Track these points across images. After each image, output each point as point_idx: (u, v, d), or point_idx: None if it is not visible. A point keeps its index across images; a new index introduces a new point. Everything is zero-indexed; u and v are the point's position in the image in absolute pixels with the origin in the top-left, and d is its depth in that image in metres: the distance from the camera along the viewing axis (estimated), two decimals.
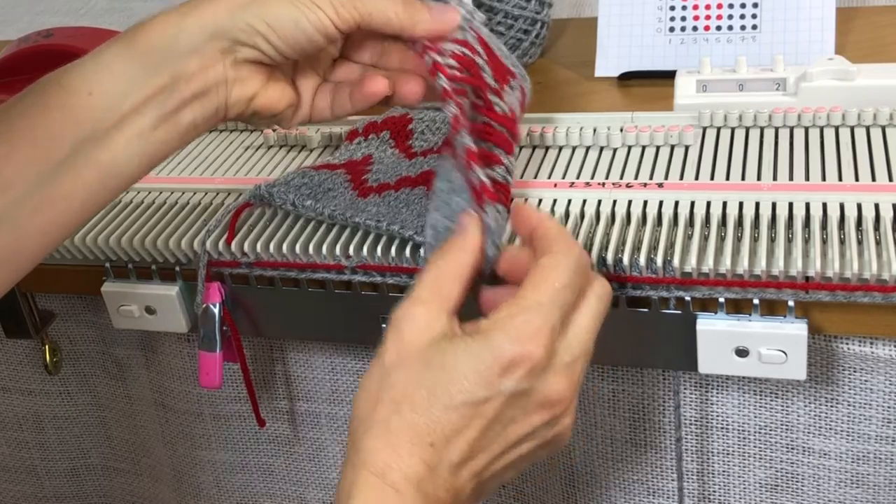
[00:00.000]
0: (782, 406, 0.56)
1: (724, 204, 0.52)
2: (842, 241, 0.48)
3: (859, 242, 0.48)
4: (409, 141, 0.62)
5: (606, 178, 0.57)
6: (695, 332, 0.50)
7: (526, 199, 0.56)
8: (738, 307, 0.50)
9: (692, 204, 0.53)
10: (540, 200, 0.55)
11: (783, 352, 0.49)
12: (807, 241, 0.49)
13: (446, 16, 0.48)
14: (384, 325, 0.56)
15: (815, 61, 0.61)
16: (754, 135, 0.59)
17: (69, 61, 0.83)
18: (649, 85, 0.70)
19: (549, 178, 0.58)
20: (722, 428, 0.57)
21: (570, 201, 0.55)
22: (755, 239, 0.50)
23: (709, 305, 0.50)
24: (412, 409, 0.40)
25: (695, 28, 0.70)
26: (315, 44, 0.47)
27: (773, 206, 0.52)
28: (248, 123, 0.51)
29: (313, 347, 0.65)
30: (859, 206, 0.50)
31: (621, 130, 0.60)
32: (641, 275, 0.50)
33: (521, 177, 0.58)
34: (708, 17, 0.69)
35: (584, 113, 0.64)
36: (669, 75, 0.65)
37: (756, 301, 0.49)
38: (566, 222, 0.54)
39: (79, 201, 0.45)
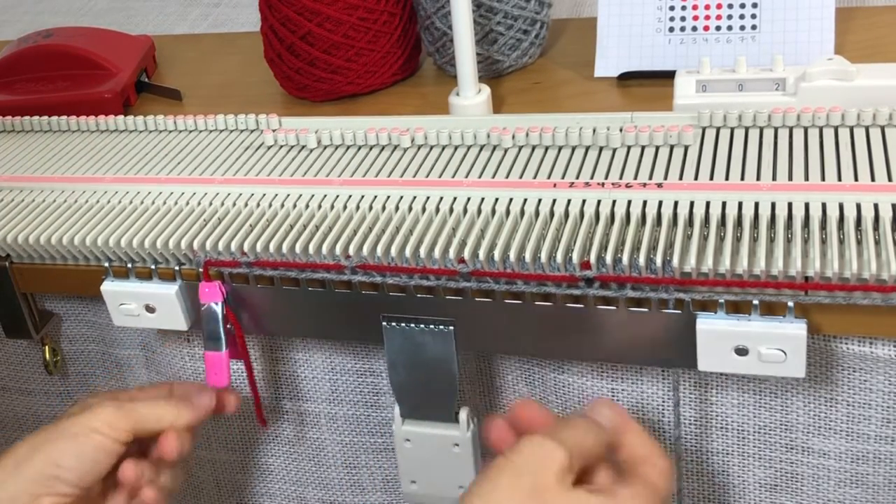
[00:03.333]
0: (782, 406, 0.56)
1: (724, 204, 0.52)
2: (841, 241, 0.49)
3: (858, 242, 0.48)
4: None
5: (606, 178, 0.57)
6: (694, 331, 0.50)
7: (526, 200, 0.56)
8: (737, 307, 0.50)
9: (691, 204, 0.53)
10: (540, 200, 0.55)
11: (782, 351, 0.49)
12: (806, 240, 0.49)
13: (202, 401, 0.58)
14: (384, 324, 0.57)
15: (815, 61, 0.61)
16: (754, 135, 0.59)
17: (69, 61, 0.84)
18: (649, 85, 0.70)
19: (549, 178, 0.58)
20: (721, 427, 0.57)
21: (569, 201, 0.55)
22: (754, 239, 0.50)
23: (708, 306, 0.50)
24: None
25: (694, 28, 0.70)
26: (104, 464, 0.54)
27: (773, 206, 0.52)
28: None
29: (313, 347, 0.65)
30: (858, 206, 0.50)
31: (621, 130, 0.60)
32: (641, 275, 0.50)
33: (521, 177, 0.58)
34: (707, 17, 0.70)
35: (583, 113, 0.64)
36: (669, 75, 0.65)
37: (755, 302, 0.49)
38: (566, 222, 0.54)
39: None
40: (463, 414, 0.58)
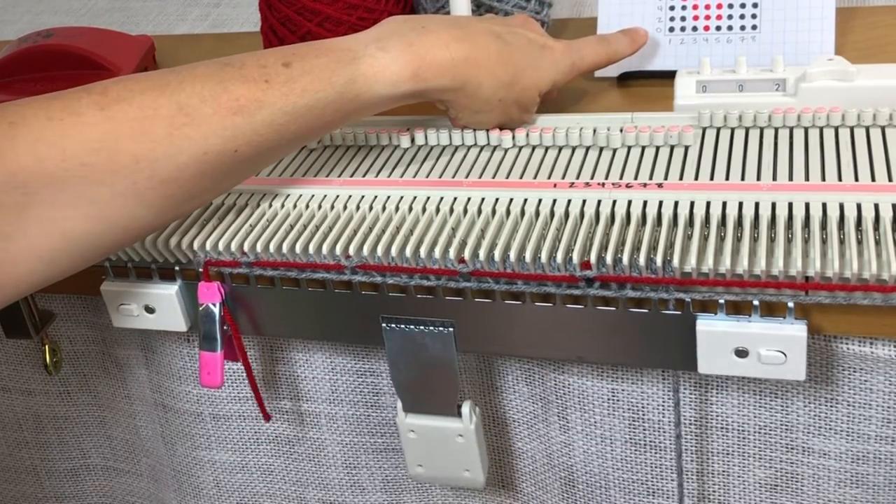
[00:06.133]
0: (782, 406, 0.56)
1: (724, 204, 0.52)
2: (841, 241, 0.49)
3: (859, 242, 0.48)
4: None
5: (606, 178, 0.57)
6: (694, 332, 0.50)
7: (526, 200, 0.56)
8: (737, 308, 0.50)
9: (692, 204, 0.53)
10: (540, 200, 0.55)
11: (783, 353, 0.49)
12: (806, 241, 0.49)
13: (638, 37, 0.67)
14: (384, 325, 0.57)
15: (815, 61, 0.61)
16: (754, 135, 0.59)
17: (69, 61, 0.84)
18: (649, 85, 0.70)
19: (549, 178, 0.58)
20: (721, 428, 0.57)
21: (569, 201, 0.55)
22: (755, 239, 0.50)
23: (708, 306, 0.50)
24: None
25: (695, 28, 0.70)
26: None
27: (773, 206, 0.52)
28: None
29: (313, 347, 0.65)
30: (859, 207, 0.50)
31: (621, 131, 0.60)
32: (641, 275, 0.50)
33: (521, 177, 0.58)
34: (708, 17, 0.69)
35: (584, 113, 0.64)
36: (669, 75, 0.65)
37: (756, 302, 0.49)
38: (566, 222, 0.54)
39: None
40: (465, 408, 0.58)
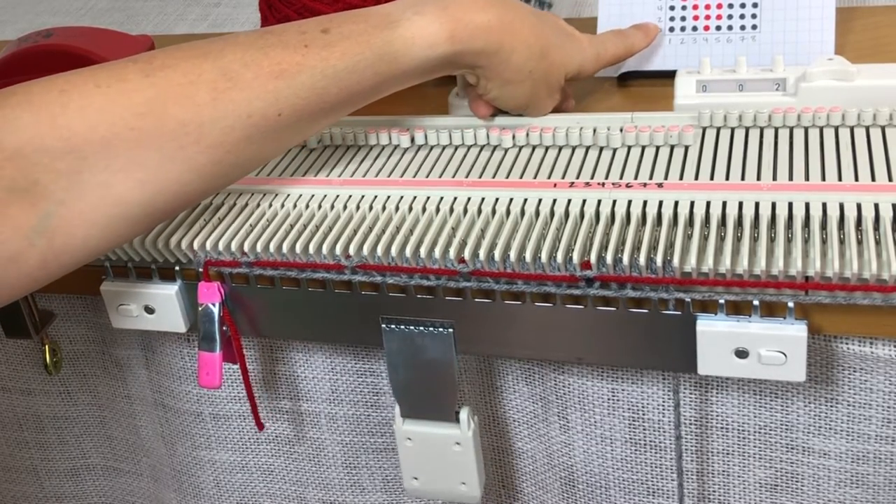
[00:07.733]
0: (782, 406, 0.56)
1: (724, 204, 0.52)
2: (841, 241, 0.49)
3: (859, 242, 0.48)
4: None
5: (606, 178, 0.57)
6: (694, 333, 0.50)
7: (526, 200, 0.56)
8: (737, 308, 0.50)
9: (692, 204, 0.53)
10: (540, 200, 0.55)
11: (783, 353, 0.49)
12: (806, 240, 0.49)
13: (650, 31, 0.69)
14: (384, 326, 0.57)
15: (815, 61, 0.61)
16: (754, 135, 0.59)
17: (69, 61, 0.84)
18: (649, 85, 0.70)
19: (549, 178, 0.58)
20: (721, 428, 0.57)
21: (569, 201, 0.55)
22: (755, 239, 0.50)
23: (709, 306, 0.50)
24: None
25: (695, 28, 0.70)
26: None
27: (773, 206, 0.52)
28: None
29: (313, 347, 0.65)
30: (859, 206, 0.50)
31: (621, 130, 0.60)
32: (641, 275, 0.50)
33: (521, 177, 0.58)
34: (708, 17, 0.69)
35: (584, 113, 0.64)
36: (669, 75, 0.65)
37: (756, 303, 0.49)
38: (566, 222, 0.54)
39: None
40: (463, 414, 0.58)
